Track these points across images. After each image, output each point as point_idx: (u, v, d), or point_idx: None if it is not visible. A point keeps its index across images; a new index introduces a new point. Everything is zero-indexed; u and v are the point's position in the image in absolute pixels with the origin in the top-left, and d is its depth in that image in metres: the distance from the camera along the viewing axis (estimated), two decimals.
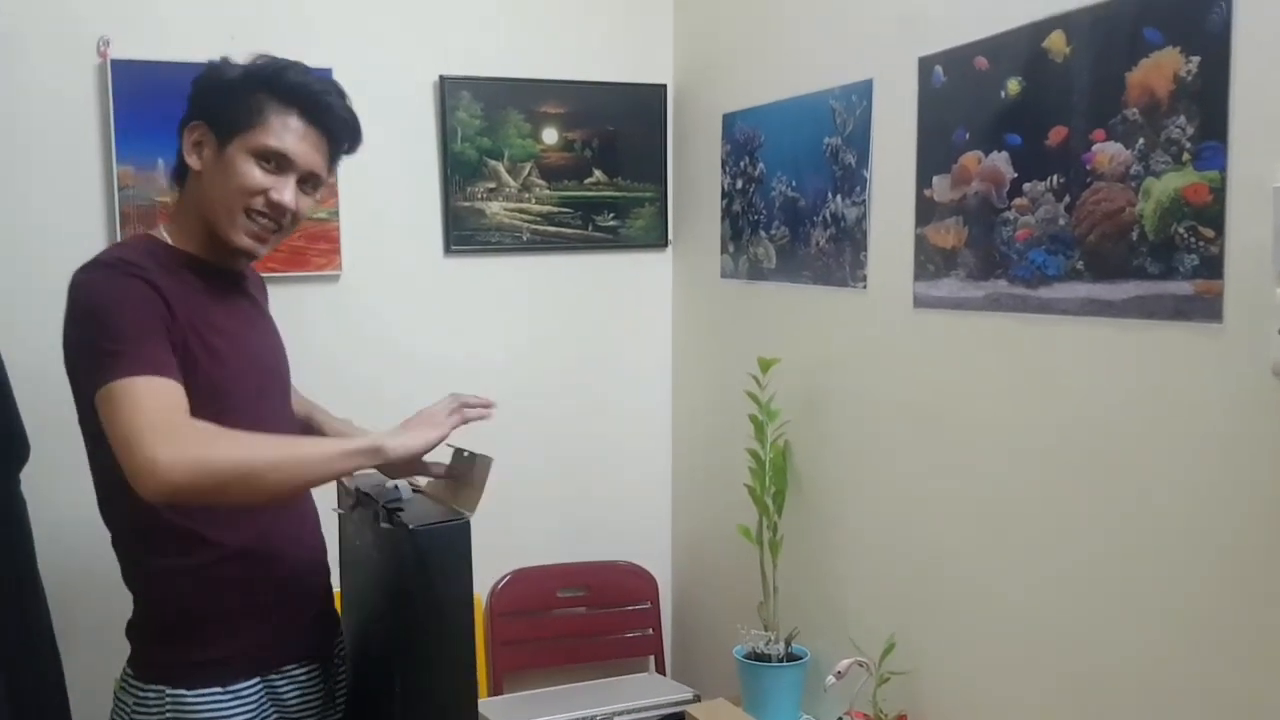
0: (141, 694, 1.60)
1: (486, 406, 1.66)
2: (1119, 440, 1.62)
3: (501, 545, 2.81)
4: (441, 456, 1.70)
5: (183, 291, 1.58)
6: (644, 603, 2.93)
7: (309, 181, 1.65)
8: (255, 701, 1.63)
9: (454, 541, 1.54)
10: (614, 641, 2.92)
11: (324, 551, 1.81)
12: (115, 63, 2.34)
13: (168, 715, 1.58)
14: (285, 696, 1.68)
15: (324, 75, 1.70)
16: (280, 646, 1.68)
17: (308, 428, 1.89)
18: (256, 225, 1.62)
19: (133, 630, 1.67)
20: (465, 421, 1.62)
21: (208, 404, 1.51)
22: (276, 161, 1.60)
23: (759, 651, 2.31)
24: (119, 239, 2.35)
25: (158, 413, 1.41)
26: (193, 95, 1.65)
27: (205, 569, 1.60)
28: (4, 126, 2.29)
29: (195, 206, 1.64)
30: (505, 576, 2.81)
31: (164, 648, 1.61)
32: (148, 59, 2.36)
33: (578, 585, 2.88)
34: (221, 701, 1.59)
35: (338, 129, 1.67)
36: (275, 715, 1.66)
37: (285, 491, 1.54)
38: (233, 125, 1.59)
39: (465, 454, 1.68)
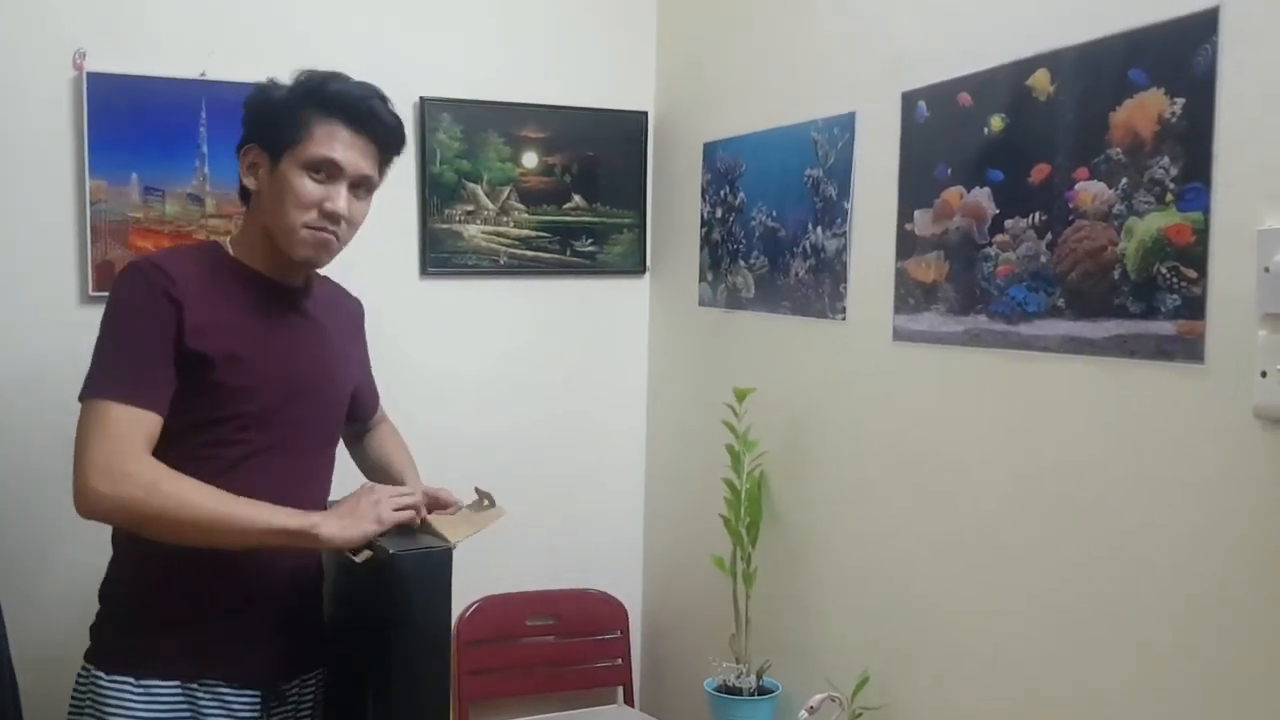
0: (80, 672, 1.67)
1: (410, 509, 1.69)
2: (1099, 479, 1.61)
3: (471, 571, 2.76)
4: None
5: (218, 299, 1.64)
6: (614, 632, 2.90)
7: (361, 186, 1.71)
8: (168, 704, 1.62)
9: (435, 568, 1.52)
10: (583, 671, 2.88)
11: (313, 593, 1.81)
12: (91, 75, 2.30)
13: (85, 696, 1.63)
14: (207, 713, 1.65)
15: (365, 82, 1.73)
16: (210, 659, 1.66)
17: (379, 464, 1.96)
18: (314, 236, 1.67)
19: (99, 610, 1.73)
20: (394, 523, 1.65)
21: (217, 407, 1.62)
22: (327, 171, 1.65)
23: (730, 684, 2.28)
24: (89, 254, 2.31)
25: (111, 444, 1.51)
26: (245, 119, 1.71)
27: (164, 561, 1.62)
28: None
29: (258, 224, 1.71)
30: (474, 604, 2.77)
31: (101, 629, 1.68)
32: (125, 73, 2.33)
33: (548, 614, 2.85)
34: (129, 693, 1.61)
35: (382, 133, 1.72)
36: None
37: (204, 544, 1.58)
38: (282, 143, 1.65)
39: (485, 502, 1.69)
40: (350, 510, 1.61)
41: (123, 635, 1.64)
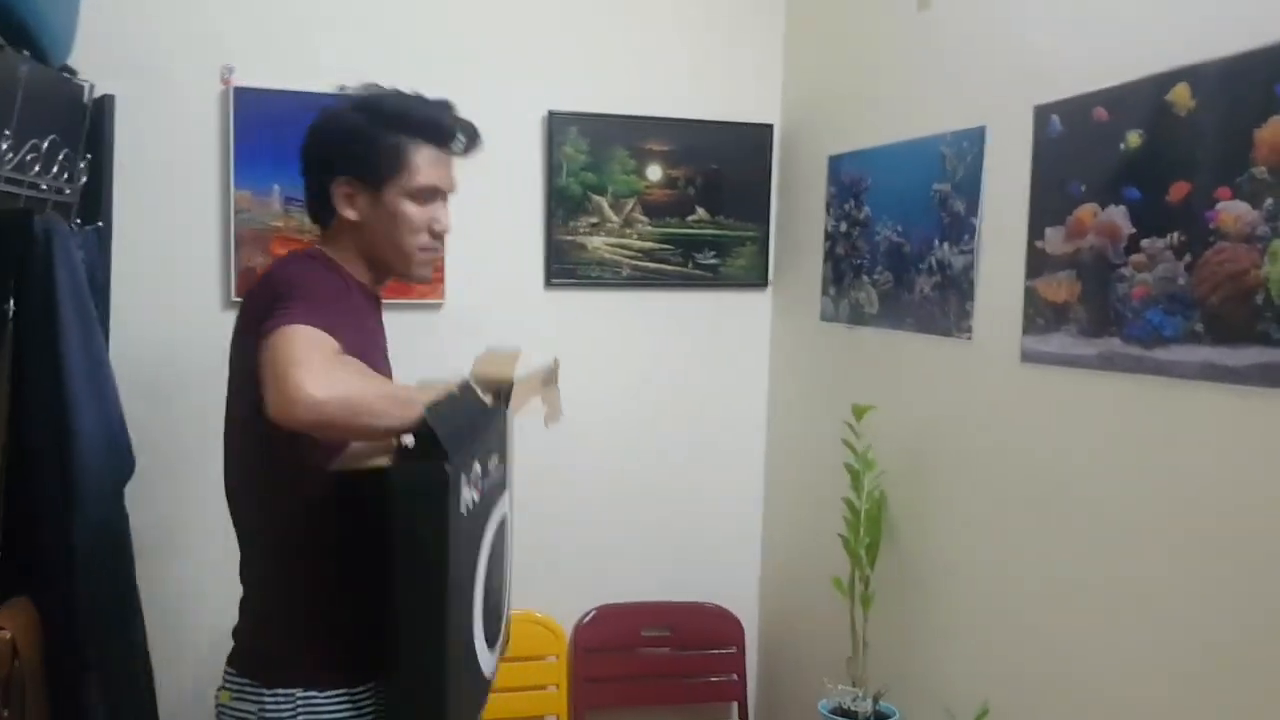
0: (269, 700, 1.60)
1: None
2: (1239, 514, 1.53)
3: (588, 580, 2.80)
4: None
5: (355, 302, 1.69)
6: (730, 647, 2.88)
7: (450, 196, 1.76)
8: (370, 706, 1.63)
9: (425, 482, 1.38)
10: (697, 685, 2.88)
11: None
12: (238, 90, 2.41)
13: (290, 716, 1.59)
14: (367, 712, 1.66)
15: (441, 100, 1.74)
16: (366, 660, 1.65)
17: None
18: (429, 256, 1.74)
19: (253, 632, 1.67)
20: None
21: None
22: (431, 194, 1.70)
23: (845, 707, 2.25)
24: (233, 261, 2.42)
25: (317, 352, 1.41)
26: (321, 145, 1.71)
27: (338, 571, 1.61)
28: (129, 150, 2.36)
29: (357, 247, 1.72)
30: (590, 612, 2.79)
31: (293, 649, 1.62)
32: (269, 87, 2.43)
33: (663, 625, 2.85)
34: (347, 704, 1.61)
35: (468, 148, 1.75)
36: None
37: (381, 429, 1.46)
38: (381, 174, 1.67)
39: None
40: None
41: (321, 649, 1.62)
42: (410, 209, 1.68)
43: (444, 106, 1.73)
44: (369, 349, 1.68)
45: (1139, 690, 1.70)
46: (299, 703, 1.60)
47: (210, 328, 2.31)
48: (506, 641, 1.86)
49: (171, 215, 2.43)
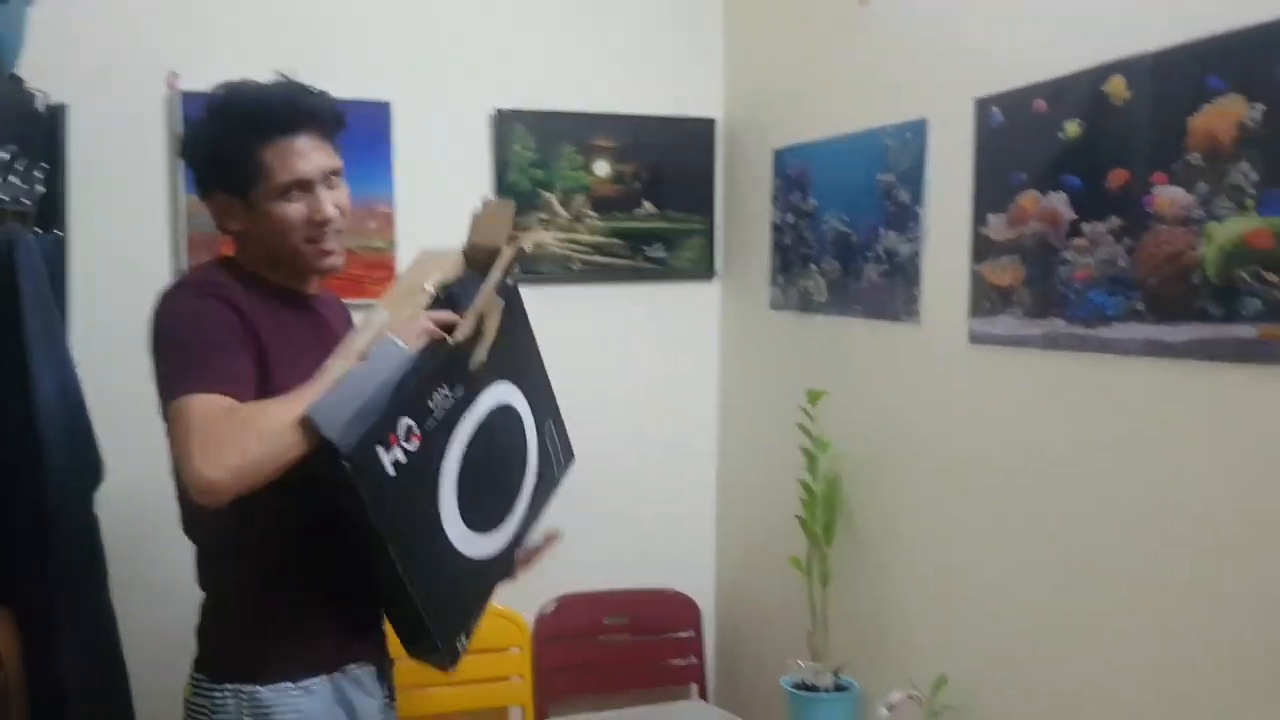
0: (218, 695, 1.65)
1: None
2: (1179, 484, 1.63)
3: (549, 572, 2.83)
4: None
5: (262, 309, 1.64)
6: (688, 630, 2.95)
7: (331, 176, 1.68)
8: (325, 699, 1.68)
9: (338, 476, 1.45)
10: (658, 669, 2.94)
11: None
12: (185, 95, 2.40)
13: (244, 713, 1.64)
14: (350, 696, 1.72)
15: (283, 83, 1.68)
16: (345, 647, 1.72)
17: None
18: (318, 247, 1.68)
19: (206, 631, 1.72)
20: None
21: None
22: (299, 187, 1.64)
23: (807, 683, 2.32)
24: (185, 265, 2.41)
25: (197, 432, 1.43)
26: (189, 162, 1.69)
27: (282, 568, 1.65)
28: (80, 157, 2.34)
29: (255, 249, 1.69)
30: (552, 603, 2.83)
31: (239, 646, 1.67)
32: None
33: (623, 612, 2.90)
34: (295, 697, 1.65)
35: (325, 122, 1.68)
36: (344, 715, 1.71)
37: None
38: (244, 184, 1.63)
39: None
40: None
41: (269, 645, 1.66)
42: (283, 209, 1.62)
43: (288, 90, 1.66)
44: (297, 357, 1.63)
45: (1091, 655, 1.80)
46: (244, 697, 1.64)
47: None
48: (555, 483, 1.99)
49: (124, 222, 2.41)
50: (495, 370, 1.73)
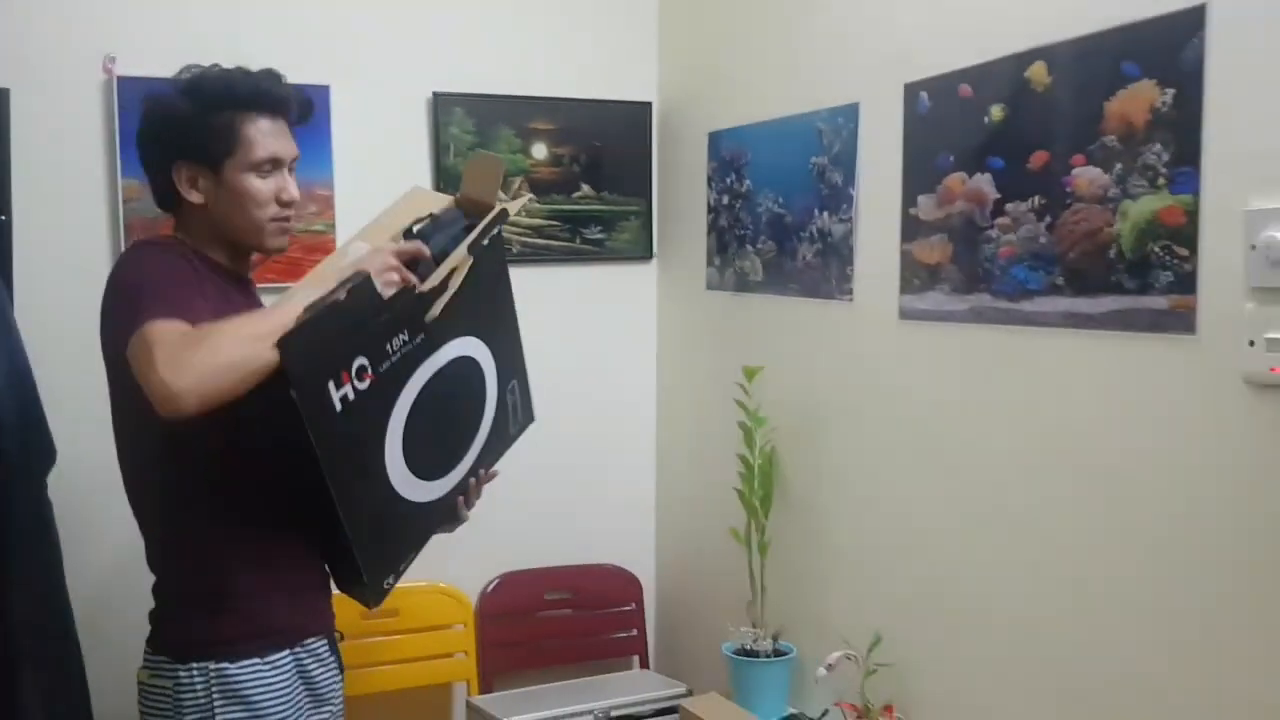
0: (183, 674, 1.67)
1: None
2: (1098, 446, 1.74)
3: (491, 549, 2.88)
4: None
5: (210, 280, 1.69)
6: (629, 604, 3.01)
7: (293, 163, 1.77)
8: (289, 672, 1.72)
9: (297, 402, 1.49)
10: (599, 642, 3.00)
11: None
12: (121, 79, 2.39)
13: (214, 691, 1.66)
14: (310, 669, 1.77)
15: (266, 70, 1.75)
16: (301, 620, 1.77)
17: None
18: (281, 226, 1.75)
19: (164, 613, 1.74)
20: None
21: None
22: (271, 165, 1.72)
23: (747, 648, 2.41)
24: (124, 248, 2.40)
25: (164, 349, 1.45)
26: (155, 133, 1.73)
27: (235, 544, 1.69)
28: (15, 143, 2.32)
29: (208, 229, 1.74)
30: (494, 580, 2.88)
31: (202, 625, 1.69)
32: (151, 75, 2.40)
33: (564, 588, 2.96)
34: (262, 672, 1.69)
35: (298, 111, 1.78)
36: (303, 687, 1.75)
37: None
38: (218, 153, 1.69)
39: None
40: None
41: (233, 624, 1.69)
42: (254, 183, 1.70)
43: (270, 76, 1.74)
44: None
45: (1013, 608, 1.90)
46: (212, 675, 1.67)
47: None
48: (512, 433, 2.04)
49: (62, 207, 2.40)
50: (463, 324, 1.77)
